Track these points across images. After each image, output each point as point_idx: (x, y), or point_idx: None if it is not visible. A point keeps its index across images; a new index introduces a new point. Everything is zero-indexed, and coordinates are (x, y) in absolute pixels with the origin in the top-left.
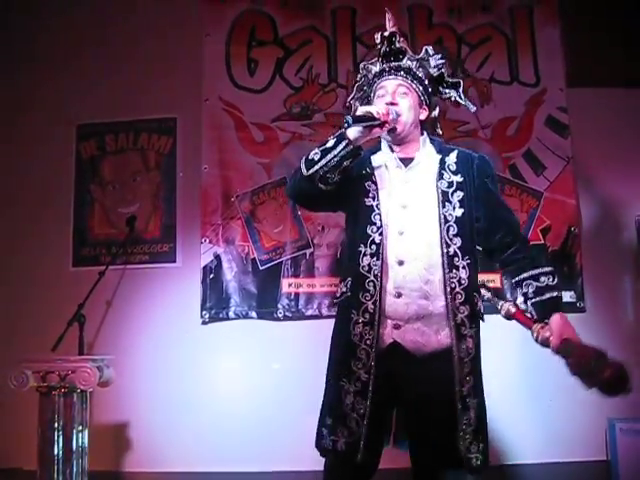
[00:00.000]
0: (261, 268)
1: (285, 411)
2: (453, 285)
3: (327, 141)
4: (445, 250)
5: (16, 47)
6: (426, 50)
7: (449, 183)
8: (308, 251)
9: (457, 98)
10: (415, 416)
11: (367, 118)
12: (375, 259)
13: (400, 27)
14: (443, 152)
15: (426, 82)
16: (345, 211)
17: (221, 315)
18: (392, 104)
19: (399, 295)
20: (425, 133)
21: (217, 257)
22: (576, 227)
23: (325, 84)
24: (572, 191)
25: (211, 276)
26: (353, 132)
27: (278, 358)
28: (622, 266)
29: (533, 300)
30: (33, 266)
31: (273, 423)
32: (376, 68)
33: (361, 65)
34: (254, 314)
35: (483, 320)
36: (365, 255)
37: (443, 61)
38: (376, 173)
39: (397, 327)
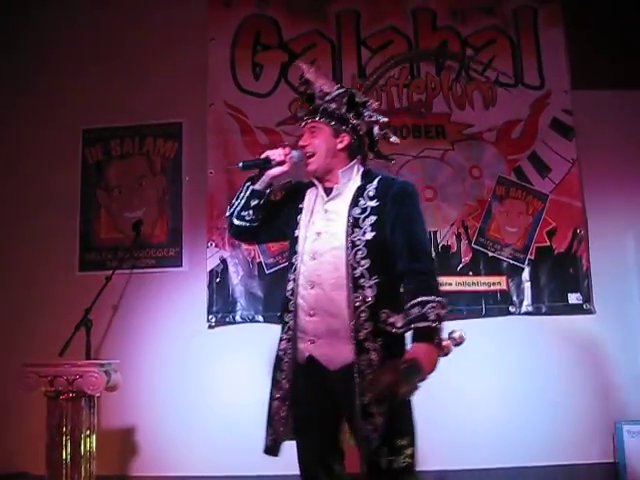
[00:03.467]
0: (267, 272)
1: None
2: (358, 304)
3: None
4: (351, 272)
5: (23, 53)
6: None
7: (363, 209)
8: None
9: (368, 115)
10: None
11: (261, 161)
12: (293, 283)
13: (404, 31)
14: (366, 179)
15: (341, 112)
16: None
17: (227, 319)
18: (303, 146)
19: (313, 314)
20: (356, 160)
21: (223, 261)
22: (582, 229)
23: None
24: (578, 193)
25: (217, 280)
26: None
27: None
28: (630, 267)
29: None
30: (40, 271)
31: None
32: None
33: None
34: (260, 318)
35: (397, 333)
36: (289, 281)
37: (339, 92)
38: (304, 206)
39: (312, 342)
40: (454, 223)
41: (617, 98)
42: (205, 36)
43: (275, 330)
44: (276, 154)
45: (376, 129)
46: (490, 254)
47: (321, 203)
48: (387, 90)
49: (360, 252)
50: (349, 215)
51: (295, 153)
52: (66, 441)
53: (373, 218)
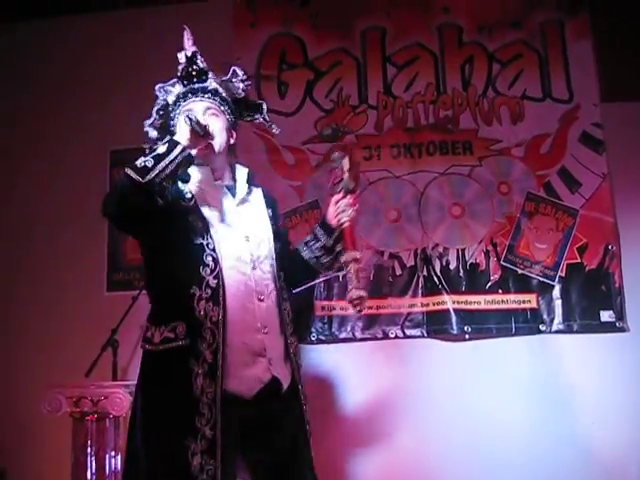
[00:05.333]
0: (294, 291)
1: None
2: (288, 319)
3: (154, 148)
4: (279, 284)
5: (52, 76)
6: (234, 71)
7: (269, 216)
8: (341, 273)
9: (262, 120)
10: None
11: (199, 124)
12: (212, 304)
13: (430, 46)
14: (252, 183)
15: (231, 104)
16: (160, 243)
17: None
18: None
19: (266, 331)
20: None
21: None
22: (614, 245)
23: (356, 105)
24: (609, 208)
25: None
26: (183, 138)
27: (312, 382)
28: None
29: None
30: (68, 291)
31: None
32: (177, 90)
33: (157, 87)
34: None
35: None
36: (201, 299)
37: (248, 83)
38: (200, 206)
39: (270, 363)
40: (482, 240)
41: None
42: (231, 56)
43: (301, 351)
44: (208, 127)
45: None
46: (520, 271)
47: (227, 203)
48: (413, 107)
49: (278, 262)
50: (267, 221)
51: (216, 128)
52: (91, 462)
53: (272, 228)
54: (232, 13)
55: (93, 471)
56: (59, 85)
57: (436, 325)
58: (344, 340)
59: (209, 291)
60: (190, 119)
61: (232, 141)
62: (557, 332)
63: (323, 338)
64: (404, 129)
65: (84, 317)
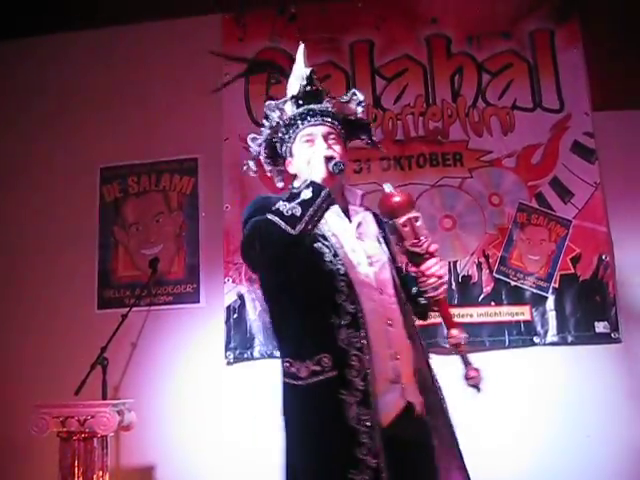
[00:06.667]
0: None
1: None
2: (417, 344)
3: (296, 194)
4: (404, 308)
5: (41, 93)
6: (353, 93)
7: (384, 238)
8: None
9: (369, 141)
10: None
11: (342, 170)
12: (354, 330)
13: (419, 58)
14: (363, 205)
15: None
16: (291, 277)
17: (246, 355)
18: (331, 156)
19: (398, 357)
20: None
21: (241, 297)
22: (608, 255)
23: None
24: (602, 217)
25: (235, 316)
26: (322, 179)
27: None
28: None
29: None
30: (58, 309)
31: None
32: (289, 109)
33: (268, 104)
34: (279, 353)
35: None
36: (341, 327)
37: (364, 104)
38: (324, 232)
39: (404, 389)
40: (474, 252)
41: None
42: (220, 71)
43: None
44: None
45: None
46: (512, 283)
47: (346, 226)
48: (402, 119)
49: (400, 285)
50: (384, 243)
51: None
52: None
53: (389, 250)
54: (221, 28)
55: None
56: (48, 102)
57: (428, 339)
58: None
59: (348, 318)
60: (338, 166)
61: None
62: (551, 344)
63: None
64: (394, 141)
65: (74, 335)
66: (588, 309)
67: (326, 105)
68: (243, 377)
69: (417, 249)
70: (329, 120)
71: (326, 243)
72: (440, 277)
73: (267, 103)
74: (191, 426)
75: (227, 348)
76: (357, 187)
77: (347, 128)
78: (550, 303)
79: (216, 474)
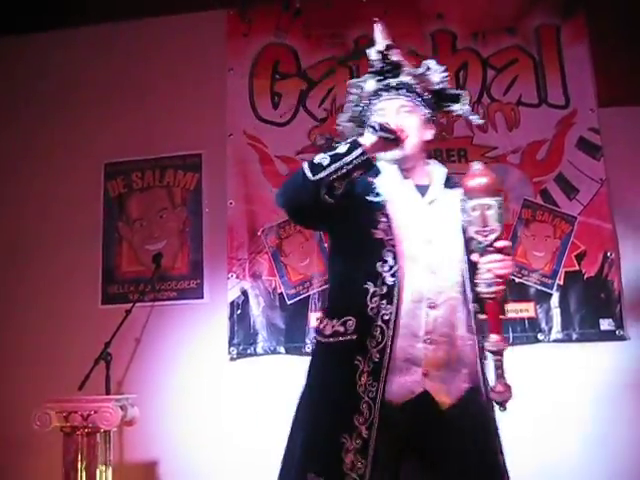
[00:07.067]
0: (288, 302)
1: None
2: (461, 331)
3: (336, 147)
4: (461, 295)
5: (45, 88)
6: (427, 66)
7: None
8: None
9: (460, 112)
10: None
11: (388, 130)
12: (386, 302)
13: (423, 54)
14: (450, 184)
15: (427, 97)
16: (340, 238)
17: (249, 351)
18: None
19: (429, 341)
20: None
21: (244, 292)
22: (613, 252)
23: None
24: (607, 214)
25: (238, 312)
26: (369, 141)
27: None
28: None
29: None
30: (63, 304)
31: None
32: (370, 86)
33: (349, 83)
34: (282, 349)
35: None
36: (374, 296)
37: (446, 74)
38: (388, 203)
39: (425, 374)
40: None
41: None
42: (224, 67)
43: (297, 362)
44: (398, 131)
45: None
46: (517, 280)
47: (417, 204)
48: None
49: (470, 270)
50: (459, 225)
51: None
52: (82, 476)
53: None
54: (224, 24)
55: None
56: (52, 98)
57: None
58: None
59: (384, 288)
60: (374, 128)
61: (429, 136)
62: (556, 341)
63: None
64: None
65: (79, 330)
66: (593, 306)
67: (402, 79)
68: (246, 373)
69: (480, 237)
70: (405, 92)
71: (385, 213)
72: (499, 276)
73: (349, 82)
74: (194, 421)
75: (230, 344)
76: None
77: (436, 99)
78: (555, 300)
79: (218, 469)
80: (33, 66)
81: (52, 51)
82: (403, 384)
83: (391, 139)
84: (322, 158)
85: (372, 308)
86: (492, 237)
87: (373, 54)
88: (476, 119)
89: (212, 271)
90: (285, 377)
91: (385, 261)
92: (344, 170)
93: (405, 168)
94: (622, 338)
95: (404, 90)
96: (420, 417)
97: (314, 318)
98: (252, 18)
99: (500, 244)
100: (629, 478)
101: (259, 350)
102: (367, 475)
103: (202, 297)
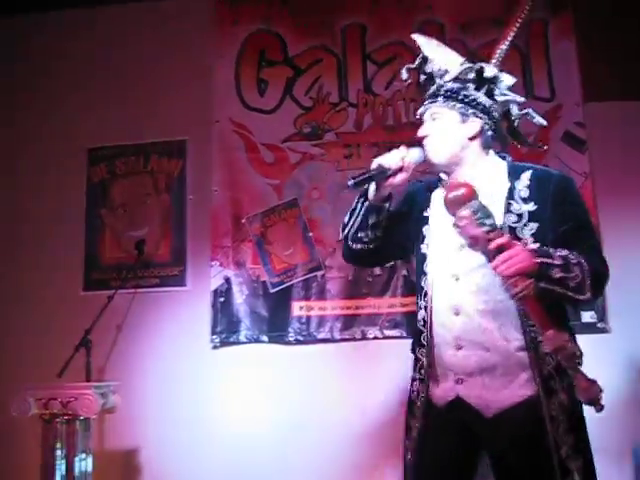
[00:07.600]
0: (272, 291)
1: (298, 436)
2: (533, 334)
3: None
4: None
5: (27, 72)
6: (445, 70)
7: (518, 216)
8: (319, 273)
9: (501, 97)
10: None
11: (375, 173)
12: (425, 312)
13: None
14: (513, 175)
15: (467, 92)
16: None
17: (232, 339)
18: (421, 139)
19: (459, 347)
20: (491, 151)
21: (227, 280)
22: None
23: (336, 103)
24: (591, 208)
25: (221, 300)
26: (370, 189)
27: (290, 382)
28: None
29: None
30: (44, 290)
31: (286, 448)
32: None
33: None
34: (265, 338)
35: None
36: (421, 309)
37: (463, 68)
38: (431, 213)
39: (460, 382)
40: None
41: (631, 110)
42: (210, 53)
43: (279, 350)
44: (391, 160)
45: (515, 109)
46: None
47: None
48: (393, 104)
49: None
50: (504, 224)
51: (414, 153)
52: (61, 464)
53: (534, 226)
54: (214, 10)
55: (63, 473)
56: (34, 83)
57: None
58: (322, 341)
59: (427, 300)
60: (349, 186)
61: (469, 134)
62: None
63: (301, 339)
64: (384, 127)
65: (60, 317)
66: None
67: (441, 82)
68: (229, 361)
69: (475, 249)
70: (441, 99)
71: (428, 226)
72: (511, 275)
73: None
74: (176, 409)
75: (213, 332)
76: (345, 172)
77: (482, 92)
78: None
79: (200, 457)
80: (14, 50)
81: (34, 35)
82: (439, 391)
83: (385, 176)
84: (346, 216)
85: (419, 321)
86: (482, 244)
87: (404, 73)
88: (541, 120)
89: (195, 258)
90: (268, 365)
91: (426, 274)
92: (357, 222)
93: (447, 172)
94: (604, 331)
95: (430, 97)
96: (465, 422)
97: (297, 307)
98: (240, 5)
99: (499, 241)
100: (618, 467)
101: (242, 338)
102: (410, 469)
103: (185, 285)
